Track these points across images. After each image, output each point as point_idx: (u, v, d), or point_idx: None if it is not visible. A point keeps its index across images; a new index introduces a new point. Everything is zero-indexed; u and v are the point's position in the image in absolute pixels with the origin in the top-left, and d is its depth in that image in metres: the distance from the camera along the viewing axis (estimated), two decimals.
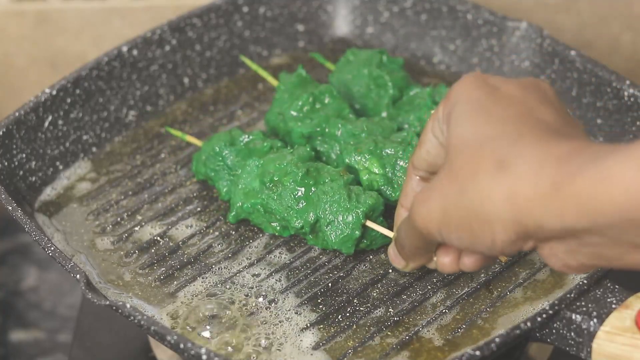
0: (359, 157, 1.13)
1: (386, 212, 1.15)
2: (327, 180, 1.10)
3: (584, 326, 1.00)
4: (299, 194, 1.10)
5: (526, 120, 0.87)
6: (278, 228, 1.13)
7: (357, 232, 1.08)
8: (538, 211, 0.81)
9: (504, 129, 0.86)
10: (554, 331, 1.02)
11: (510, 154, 0.84)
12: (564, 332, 1.01)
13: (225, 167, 1.16)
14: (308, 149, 1.14)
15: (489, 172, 0.84)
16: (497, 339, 0.98)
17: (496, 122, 0.87)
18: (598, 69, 1.22)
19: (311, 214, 1.10)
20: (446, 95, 0.93)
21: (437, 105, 0.99)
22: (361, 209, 1.08)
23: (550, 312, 1.00)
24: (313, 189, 1.10)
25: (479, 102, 0.89)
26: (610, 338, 0.99)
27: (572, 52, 1.25)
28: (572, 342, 1.01)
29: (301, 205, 1.10)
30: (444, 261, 0.97)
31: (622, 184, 0.77)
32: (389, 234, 1.09)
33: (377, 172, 1.13)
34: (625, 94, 1.20)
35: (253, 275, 1.11)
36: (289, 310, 1.07)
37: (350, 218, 1.08)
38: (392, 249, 1.02)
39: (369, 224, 1.09)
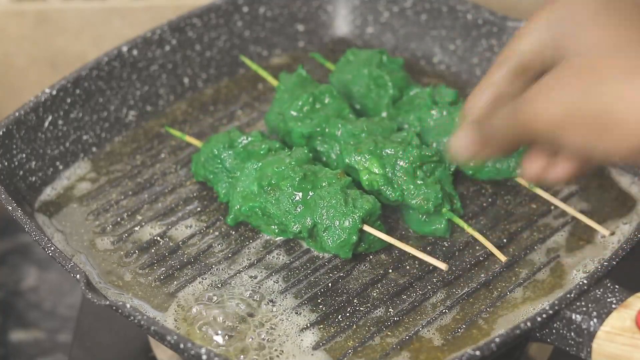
0: (359, 157, 1.13)
1: (384, 215, 1.15)
2: (324, 184, 1.10)
3: (584, 326, 1.00)
4: (297, 198, 1.10)
5: None
6: (277, 231, 1.13)
7: (354, 237, 1.08)
8: None
9: (636, 33, 0.84)
10: (554, 331, 1.02)
11: None
12: (564, 332, 1.01)
13: (223, 169, 1.16)
14: (306, 151, 1.13)
15: (623, 76, 0.81)
16: (497, 339, 0.98)
17: (634, 26, 0.85)
18: None
19: (308, 219, 1.09)
20: None
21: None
22: (358, 214, 1.08)
23: (550, 312, 1.00)
24: (310, 194, 1.10)
25: (616, 3, 0.87)
26: (610, 338, 0.98)
27: None
28: (572, 342, 1.01)
29: (299, 210, 1.10)
30: (532, 168, 0.92)
31: None
32: (387, 238, 1.09)
33: (377, 172, 1.13)
34: None
35: (252, 276, 1.11)
36: (288, 310, 1.07)
37: (347, 223, 1.08)
38: (464, 136, 0.95)
39: (367, 228, 1.09)
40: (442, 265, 1.08)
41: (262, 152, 1.15)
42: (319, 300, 1.08)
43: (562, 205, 1.15)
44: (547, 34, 0.92)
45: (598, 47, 0.85)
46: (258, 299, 1.08)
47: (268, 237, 1.14)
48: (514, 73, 0.95)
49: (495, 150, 0.94)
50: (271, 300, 1.08)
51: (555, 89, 0.85)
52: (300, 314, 1.07)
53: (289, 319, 1.06)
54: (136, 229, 1.16)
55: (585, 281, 1.02)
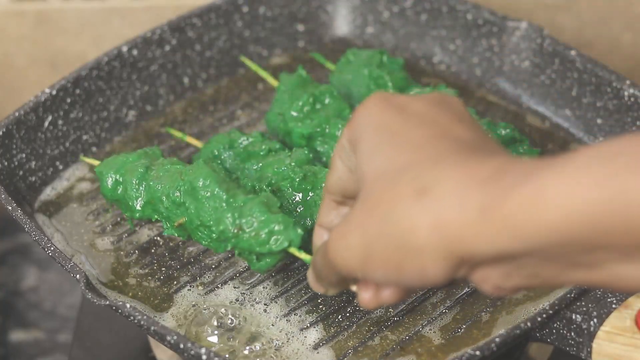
0: None
1: None
2: (324, 185, 1.10)
3: (584, 326, 1.00)
4: (297, 199, 1.10)
5: (442, 141, 0.80)
6: None
7: None
8: (468, 238, 0.74)
9: (420, 153, 0.79)
10: (554, 331, 1.02)
11: (431, 179, 0.77)
12: (564, 332, 1.01)
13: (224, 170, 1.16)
14: (306, 152, 1.13)
15: (410, 201, 0.76)
16: (497, 339, 0.98)
17: (410, 146, 0.80)
18: (598, 69, 1.22)
19: (308, 220, 1.09)
20: (350, 120, 0.86)
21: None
22: None
23: (550, 312, 1.00)
24: (311, 194, 1.10)
25: (387, 126, 0.83)
26: (610, 338, 0.99)
27: (572, 52, 1.25)
28: (572, 342, 1.01)
29: (299, 211, 1.10)
30: (364, 297, 0.87)
31: (557, 201, 0.70)
32: None
33: None
34: (625, 94, 1.20)
35: (253, 276, 1.11)
36: (289, 310, 1.07)
37: None
38: (310, 275, 0.94)
39: None
40: None
41: (262, 153, 1.15)
42: (319, 300, 1.08)
43: None
44: (343, 167, 0.88)
45: (385, 172, 0.80)
46: (258, 299, 1.08)
47: None
48: (327, 206, 0.93)
49: (330, 286, 0.91)
50: (272, 300, 1.08)
51: (352, 226, 0.80)
52: (300, 314, 1.07)
53: (289, 320, 1.06)
54: (136, 229, 1.16)
55: None
